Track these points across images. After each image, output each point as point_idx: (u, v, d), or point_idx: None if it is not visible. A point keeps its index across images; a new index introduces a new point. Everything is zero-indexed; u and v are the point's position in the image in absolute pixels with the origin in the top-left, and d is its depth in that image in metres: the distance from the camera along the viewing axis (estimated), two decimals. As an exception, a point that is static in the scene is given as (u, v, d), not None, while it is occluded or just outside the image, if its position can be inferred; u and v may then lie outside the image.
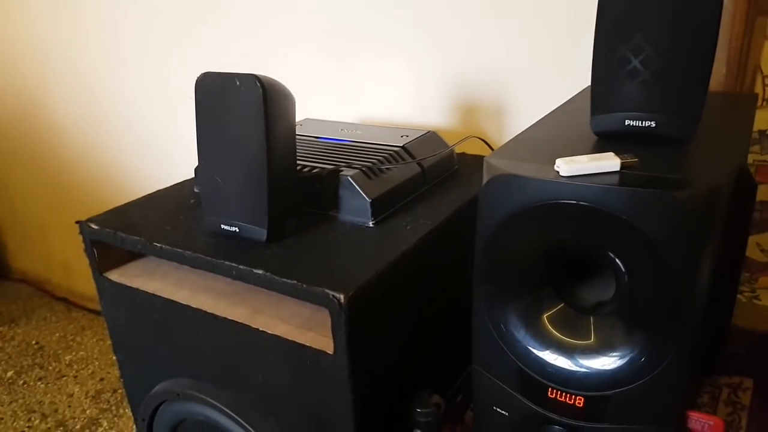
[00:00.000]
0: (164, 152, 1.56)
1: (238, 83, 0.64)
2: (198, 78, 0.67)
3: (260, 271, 0.62)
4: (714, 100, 0.70)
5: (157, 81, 1.47)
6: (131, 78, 1.52)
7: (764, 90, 0.81)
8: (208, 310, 0.68)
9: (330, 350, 0.60)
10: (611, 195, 0.46)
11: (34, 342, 1.87)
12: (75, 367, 1.74)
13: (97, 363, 1.75)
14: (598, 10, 0.54)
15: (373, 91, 1.14)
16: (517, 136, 0.60)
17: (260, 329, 0.64)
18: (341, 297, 0.57)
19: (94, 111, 1.65)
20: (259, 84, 0.62)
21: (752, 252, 0.86)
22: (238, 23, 1.27)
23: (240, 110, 0.65)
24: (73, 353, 1.80)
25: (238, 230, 0.68)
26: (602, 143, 0.55)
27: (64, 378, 1.69)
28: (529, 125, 0.64)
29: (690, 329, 0.48)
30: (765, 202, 0.83)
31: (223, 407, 0.72)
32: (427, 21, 1.03)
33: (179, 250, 0.68)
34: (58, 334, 1.90)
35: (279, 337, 0.63)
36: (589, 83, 0.56)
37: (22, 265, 2.23)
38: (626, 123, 0.54)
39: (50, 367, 1.74)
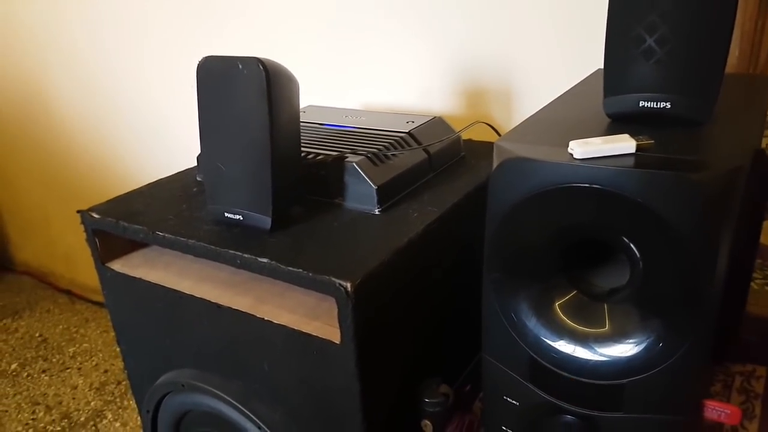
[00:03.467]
0: (167, 141, 1.55)
1: (240, 67, 0.62)
2: (199, 62, 0.65)
3: (265, 260, 0.61)
4: (727, 81, 0.68)
5: (158, 68, 1.46)
6: (132, 66, 1.50)
7: (778, 72, 0.79)
8: (212, 300, 0.67)
9: (337, 340, 0.59)
10: (627, 177, 0.44)
11: (37, 334, 1.87)
12: (79, 359, 1.73)
13: (101, 355, 1.75)
14: (612, -13, 0.52)
15: (377, 77, 1.13)
16: (527, 119, 0.59)
17: (265, 318, 0.63)
18: (348, 285, 0.56)
19: (97, 100, 1.63)
20: (262, 67, 0.61)
21: (766, 238, 0.84)
22: (240, 9, 1.25)
23: (243, 94, 0.63)
24: (77, 345, 1.80)
25: (242, 218, 0.67)
26: (616, 125, 0.54)
27: (68, 370, 1.69)
28: (538, 109, 0.62)
29: (707, 315, 0.47)
30: (778, 187, 0.82)
31: (228, 398, 0.71)
32: (432, 4, 1.01)
33: (182, 238, 0.67)
34: (61, 326, 1.90)
35: (285, 326, 0.62)
36: (599, 66, 0.54)
37: (25, 257, 2.23)
38: (640, 104, 0.53)
39: (54, 359, 1.74)
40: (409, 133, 0.80)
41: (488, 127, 0.89)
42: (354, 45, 1.13)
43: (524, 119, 0.59)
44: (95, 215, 0.74)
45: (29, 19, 1.66)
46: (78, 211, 0.76)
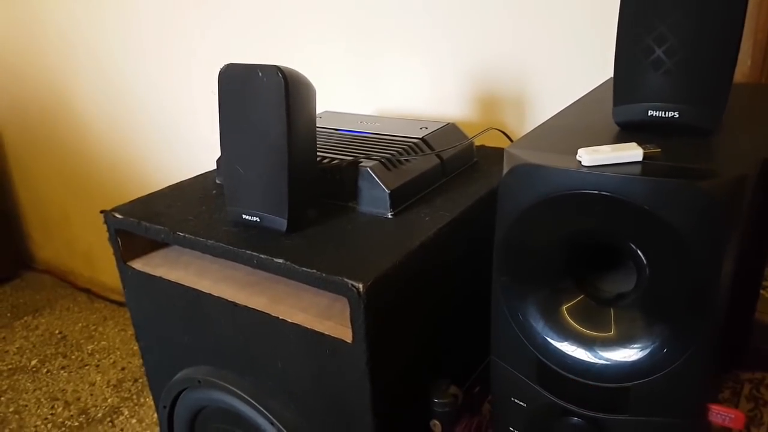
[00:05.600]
0: (186, 144, 1.58)
1: (260, 74, 0.64)
2: (221, 69, 0.68)
3: (281, 260, 0.63)
4: (739, 91, 0.69)
5: (180, 73, 1.49)
6: (155, 69, 1.54)
7: (791, 82, 0.79)
8: (229, 299, 0.69)
9: (349, 339, 0.60)
10: (634, 185, 0.45)
11: (57, 331, 1.91)
12: (97, 356, 1.77)
13: (118, 352, 1.78)
14: (622, -1, 0.53)
15: (391, 83, 1.15)
16: (537, 126, 0.60)
17: (280, 318, 0.65)
18: (360, 286, 0.57)
19: (117, 102, 1.67)
20: (280, 75, 0.63)
21: (776, 247, 0.84)
22: (259, 17, 1.27)
23: (262, 101, 0.65)
24: (96, 343, 1.83)
25: (259, 220, 0.69)
26: (625, 134, 0.55)
27: (87, 367, 1.72)
28: (550, 116, 0.64)
29: (712, 321, 0.48)
30: (790, 196, 0.82)
31: (243, 394, 0.73)
32: (446, 12, 1.03)
33: (202, 239, 0.69)
34: (80, 324, 1.94)
35: (298, 325, 0.64)
36: (611, 74, 0.56)
37: (46, 255, 2.28)
38: (649, 113, 0.54)
39: (73, 356, 1.77)
40: (422, 139, 0.82)
41: (501, 133, 0.90)
42: (372, 52, 1.15)
43: (535, 126, 0.60)
44: (118, 215, 0.77)
45: (52, 24, 1.70)
46: (101, 212, 0.78)
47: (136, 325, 0.85)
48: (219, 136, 0.70)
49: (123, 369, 1.70)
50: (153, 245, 0.82)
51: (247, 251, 0.65)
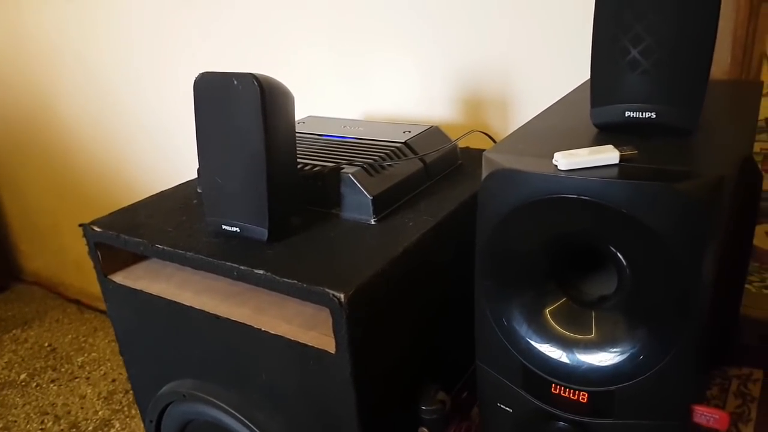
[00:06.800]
0: (175, 150, 1.57)
1: (236, 83, 0.64)
2: (196, 78, 0.67)
3: (261, 272, 0.62)
4: (719, 88, 0.69)
5: (167, 80, 1.48)
6: (142, 77, 1.52)
7: (771, 77, 0.79)
8: (211, 311, 0.68)
9: (332, 349, 0.60)
10: (611, 188, 0.45)
11: (46, 344, 1.89)
12: (87, 368, 1.75)
13: (109, 364, 1.76)
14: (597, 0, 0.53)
15: (377, 86, 1.14)
16: (517, 129, 0.60)
17: (263, 329, 0.64)
18: (341, 296, 0.57)
19: (105, 110, 1.66)
20: (256, 83, 0.62)
21: (761, 241, 0.84)
22: (244, 22, 1.26)
23: (239, 110, 0.64)
24: (86, 355, 1.82)
25: (239, 230, 0.68)
26: (603, 136, 0.55)
27: (77, 379, 1.71)
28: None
29: (694, 322, 0.47)
30: (773, 191, 0.82)
31: (228, 407, 0.72)
32: (431, 15, 1.03)
33: (180, 251, 0.68)
34: (70, 336, 1.92)
35: (281, 336, 0.63)
36: (592, 75, 0.55)
37: (35, 267, 2.25)
38: (626, 115, 0.53)
39: (63, 369, 1.76)
40: (405, 143, 0.81)
41: (485, 135, 0.90)
42: (357, 56, 1.14)
43: (515, 129, 0.60)
44: (97, 229, 0.76)
45: (38, 29, 1.68)
46: (80, 225, 0.77)
47: (119, 339, 0.84)
48: (196, 145, 0.69)
49: (114, 381, 1.69)
50: (136, 256, 0.81)
51: (227, 263, 0.64)
